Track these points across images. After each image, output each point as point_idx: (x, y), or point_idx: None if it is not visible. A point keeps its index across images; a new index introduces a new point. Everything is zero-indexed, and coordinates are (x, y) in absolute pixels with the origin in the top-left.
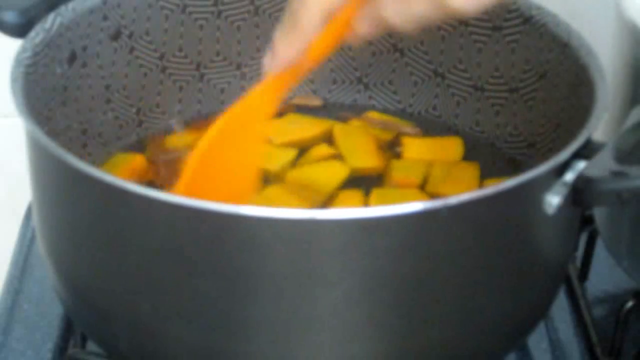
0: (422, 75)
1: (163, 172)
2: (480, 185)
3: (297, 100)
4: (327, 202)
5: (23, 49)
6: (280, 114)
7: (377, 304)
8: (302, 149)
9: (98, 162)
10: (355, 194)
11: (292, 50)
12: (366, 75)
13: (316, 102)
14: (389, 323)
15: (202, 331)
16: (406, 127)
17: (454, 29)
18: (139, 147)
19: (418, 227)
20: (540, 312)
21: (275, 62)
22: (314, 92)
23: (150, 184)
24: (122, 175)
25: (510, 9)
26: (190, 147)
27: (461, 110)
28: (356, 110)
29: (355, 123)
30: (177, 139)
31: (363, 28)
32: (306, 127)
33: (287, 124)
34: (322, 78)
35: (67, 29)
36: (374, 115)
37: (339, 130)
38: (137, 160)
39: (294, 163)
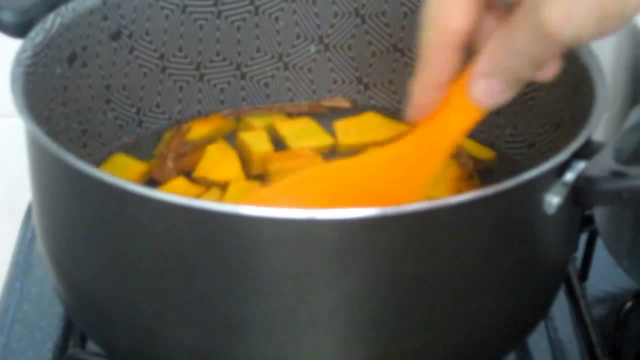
0: None
1: (169, 166)
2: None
3: (326, 102)
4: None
5: (23, 49)
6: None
7: (377, 304)
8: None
9: (97, 162)
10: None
11: (427, 92)
12: (366, 75)
13: (345, 103)
14: (388, 323)
15: (202, 331)
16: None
17: None
18: (138, 147)
19: (418, 227)
20: (540, 312)
21: (414, 109)
22: (314, 92)
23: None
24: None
25: None
26: (209, 138)
27: None
28: (356, 110)
29: None
30: (200, 130)
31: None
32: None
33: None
34: (322, 78)
35: (67, 29)
36: (468, 146)
37: None
38: (139, 168)
39: None
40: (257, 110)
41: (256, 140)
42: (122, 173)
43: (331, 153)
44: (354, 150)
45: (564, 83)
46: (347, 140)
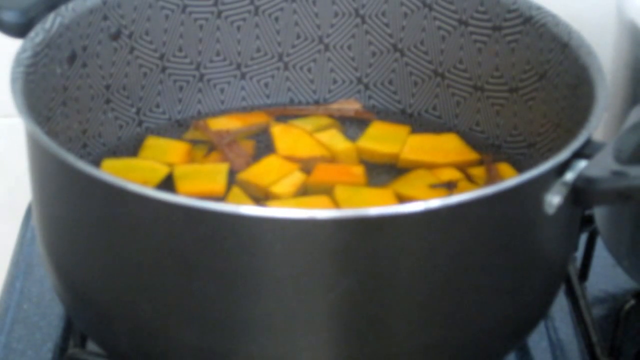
0: (422, 75)
1: (232, 156)
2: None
3: (337, 105)
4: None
5: (23, 49)
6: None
7: (377, 304)
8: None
9: (97, 162)
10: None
11: None
12: (366, 75)
13: (356, 105)
14: (388, 323)
15: (202, 331)
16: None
17: (454, 29)
18: (136, 148)
19: (418, 227)
20: (540, 312)
21: None
22: (314, 92)
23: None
24: (178, 160)
25: (510, 9)
26: (231, 130)
27: (461, 110)
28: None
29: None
30: (221, 122)
31: None
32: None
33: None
34: (322, 78)
35: (67, 29)
36: (504, 168)
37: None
38: (185, 148)
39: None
40: (300, 111)
41: (334, 139)
42: (174, 154)
43: (386, 165)
44: (412, 166)
45: (564, 83)
46: (410, 155)
